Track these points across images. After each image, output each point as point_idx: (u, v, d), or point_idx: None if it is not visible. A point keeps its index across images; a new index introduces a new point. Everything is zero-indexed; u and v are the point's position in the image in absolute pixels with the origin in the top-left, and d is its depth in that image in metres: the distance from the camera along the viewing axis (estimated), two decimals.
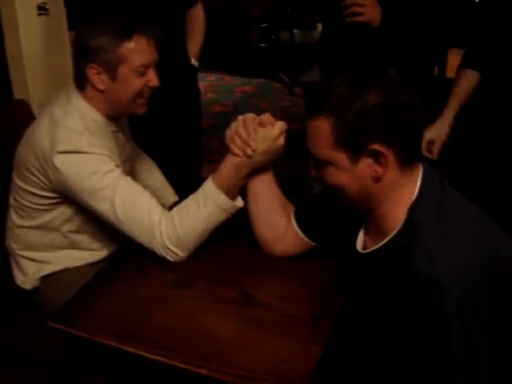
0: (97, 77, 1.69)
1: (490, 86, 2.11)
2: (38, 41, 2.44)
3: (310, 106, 1.32)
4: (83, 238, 1.87)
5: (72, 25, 2.54)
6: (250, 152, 1.57)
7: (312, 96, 1.34)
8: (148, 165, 2.19)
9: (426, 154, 2.14)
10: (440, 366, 1.19)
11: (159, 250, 1.64)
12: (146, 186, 1.81)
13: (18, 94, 2.47)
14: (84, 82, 1.73)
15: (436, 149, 2.16)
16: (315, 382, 1.30)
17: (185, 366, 1.31)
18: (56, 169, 1.66)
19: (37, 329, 1.57)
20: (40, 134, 1.72)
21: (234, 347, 1.36)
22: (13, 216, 1.89)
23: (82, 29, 1.71)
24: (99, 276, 1.65)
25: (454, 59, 3.54)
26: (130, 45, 1.68)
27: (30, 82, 2.45)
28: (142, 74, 1.72)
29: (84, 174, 1.65)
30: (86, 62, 1.68)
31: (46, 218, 1.82)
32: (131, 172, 1.96)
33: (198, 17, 2.75)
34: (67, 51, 2.54)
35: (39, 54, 2.46)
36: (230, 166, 1.61)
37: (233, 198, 1.64)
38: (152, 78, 1.74)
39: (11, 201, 1.88)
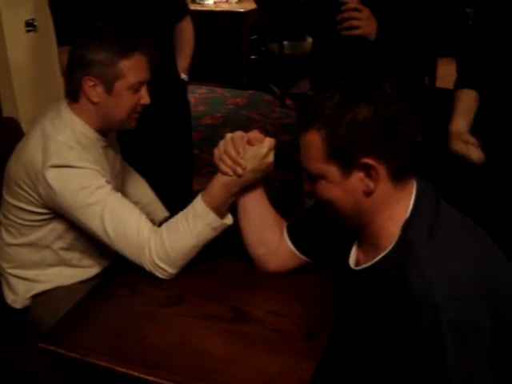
0: (92, 89, 1.69)
1: (489, 103, 2.08)
2: (27, 57, 2.43)
3: (301, 120, 1.32)
4: (74, 255, 1.86)
5: (61, 40, 2.54)
6: (240, 171, 1.56)
7: (303, 110, 1.33)
8: (137, 180, 2.18)
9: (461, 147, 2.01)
10: None
11: (148, 266, 1.63)
12: (135, 202, 1.80)
13: (6, 111, 2.45)
14: (77, 94, 1.73)
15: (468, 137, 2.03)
16: None
17: None
18: (46, 183, 1.65)
19: (27, 349, 1.55)
20: (30, 148, 1.71)
21: (225, 364, 1.35)
22: (3, 234, 1.87)
23: (81, 41, 1.71)
24: (89, 294, 1.64)
25: (443, 69, 3.56)
26: (130, 62, 1.69)
27: (18, 98, 2.44)
28: (136, 91, 1.73)
29: (74, 188, 1.64)
30: (82, 73, 1.68)
31: (36, 234, 1.80)
32: (121, 188, 1.95)
33: (186, 30, 2.75)
34: (56, 67, 2.52)
35: (28, 70, 2.45)
36: (219, 185, 1.60)
37: (222, 215, 1.63)
38: (144, 96, 1.76)
39: (1, 218, 1.87)
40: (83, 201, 1.64)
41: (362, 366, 1.42)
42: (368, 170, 1.24)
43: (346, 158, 1.25)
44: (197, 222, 1.60)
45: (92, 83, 1.69)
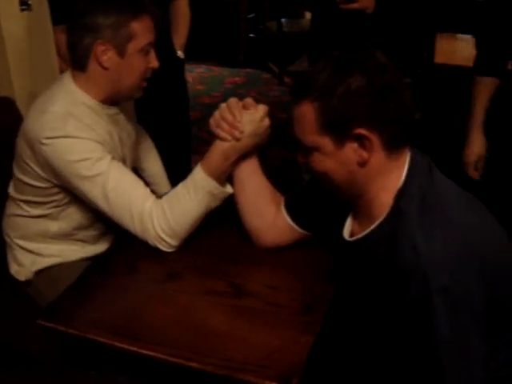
0: (104, 54, 1.67)
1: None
2: (22, 37, 2.40)
3: (294, 92, 1.32)
4: (78, 231, 1.86)
5: (56, 19, 2.52)
6: (238, 134, 1.58)
7: (296, 81, 1.33)
8: (149, 148, 2.16)
9: (473, 173, 2.16)
10: (428, 355, 1.18)
11: (151, 240, 1.64)
12: (142, 168, 1.79)
13: (3, 91, 2.44)
14: (86, 61, 1.69)
15: (481, 165, 2.17)
16: (308, 372, 1.29)
17: (176, 360, 1.31)
18: (45, 155, 1.65)
19: (27, 324, 1.55)
20: (29, 122, 1.71)
21: (225, 339, 1.36)
22: (12, 206, 1.88)
23: (84, 8, 1.68)
24: (89, 271, 1.64)
25: (442, 44, 3.54)
26: (140, 23, 1.68)
27: (14, 78, 2.41)
28: (146, 54, 1.72)
29: (73, 160, 1.63)
30: (92, 38, 1.65)
31: (43, 208, 1.80)
32: (132, 154, 1.94)
33: (182, 7, 2.74)
34: (52, 46, 2.50)
35: (23, 50, 2.42)
36: (218, 152, 1.61)
37: (222, 184, 1.64)
38: (152, 59, 1.75)
39: (11, 191, 1.87)
40: (84, 173, 1.64)
41: (358, 338, 1.43)
42: (361, 141, 1.24)
43: (339, 129, 1.25)
44: (197, 191, 1.61)
45: (103, 47, 1.66)
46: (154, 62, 1.76)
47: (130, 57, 1.69)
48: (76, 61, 1.72)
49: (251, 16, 6.19)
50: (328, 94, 1.23)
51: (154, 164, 2.16)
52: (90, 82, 1.72)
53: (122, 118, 1.87)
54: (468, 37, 3.83)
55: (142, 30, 1.69)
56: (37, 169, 1.71)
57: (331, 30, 2.27)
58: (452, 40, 3.75)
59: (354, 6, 2.06)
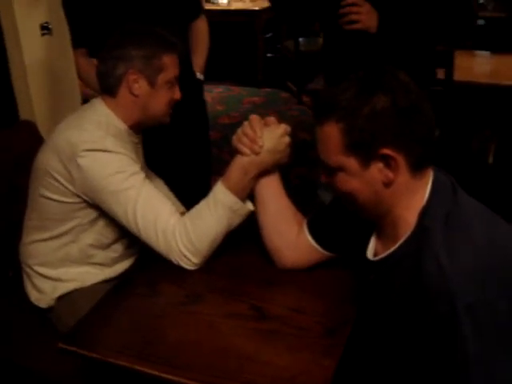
0: (135, 82, 1.77)
1: None
2: (43, 61, 2.44)
3: (318, 112, 1.32)
4: (98, 252, 1.86)
5: (76, 43, 2.55)
6: (257, 149, 1.61)
7: (320, 102, 1.33)
8: (154, 180, 2.18)
9: None
10: (455, 375, 1.16)
11: (174, 257, 1.65)
12: None
13: (23, 114, 2.46)
14: (116, 88, 1.79)
15: None
16: None
17: None
18: (80, 167, 1.68)
19: (49, 349, 1.55)
20: (63, 137, 1.75)
21: (247, 363, 1.34)
22: (28, 232, 1.89)
23: (118, 39, 1.81)
24: (110, 294, 1.64)
25: (460, 61, 3.52)
26: (170, 57, 1.81)
27: (35, 102, 2.45)
28: (171, 86, 1.83)
29: (109, 172, 1.68)
30: (125, 68, 1.77)
31: (63, 228, 1.81)
32: None
33: (201, 30, 2.75)
34: (72, 69, 2.53)
35: (44, 74, 2.46)
36: (238, 167, 1.64)
37: (242, 200, 1.66)
38: (177, 92, 1.86)
39: (27, 217, 1.88)
40: (117, 185, 1.67)
41: (383, 359, 1.41)
42: (387, 161, 1.24)
43: (365, 149, 1.24)
44: (218, 206, 1.63)
45: (135, 76, 1.76)
46: (178, 94, 1.86)
47: (159, 87, 1.79)
48: (106, 87, 1.81)
49: (268, 36, 6.22)
50: (353, 115, 1.23)
51: (161, 189, 2.17)
52: (119, 107, 1.81)
53: (140, 148, 1.94)
54: (486, 53, 3.82)
55: (171, 64, 1.81)
56: (66, 183, 1.73)
57: (342, 49, 2.30)
58: (470, 57, 3.74)
59: (357, 26, 2.10)
